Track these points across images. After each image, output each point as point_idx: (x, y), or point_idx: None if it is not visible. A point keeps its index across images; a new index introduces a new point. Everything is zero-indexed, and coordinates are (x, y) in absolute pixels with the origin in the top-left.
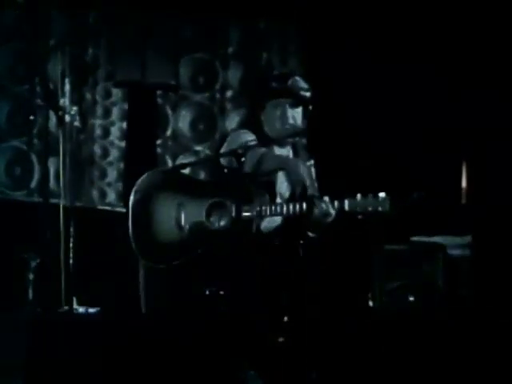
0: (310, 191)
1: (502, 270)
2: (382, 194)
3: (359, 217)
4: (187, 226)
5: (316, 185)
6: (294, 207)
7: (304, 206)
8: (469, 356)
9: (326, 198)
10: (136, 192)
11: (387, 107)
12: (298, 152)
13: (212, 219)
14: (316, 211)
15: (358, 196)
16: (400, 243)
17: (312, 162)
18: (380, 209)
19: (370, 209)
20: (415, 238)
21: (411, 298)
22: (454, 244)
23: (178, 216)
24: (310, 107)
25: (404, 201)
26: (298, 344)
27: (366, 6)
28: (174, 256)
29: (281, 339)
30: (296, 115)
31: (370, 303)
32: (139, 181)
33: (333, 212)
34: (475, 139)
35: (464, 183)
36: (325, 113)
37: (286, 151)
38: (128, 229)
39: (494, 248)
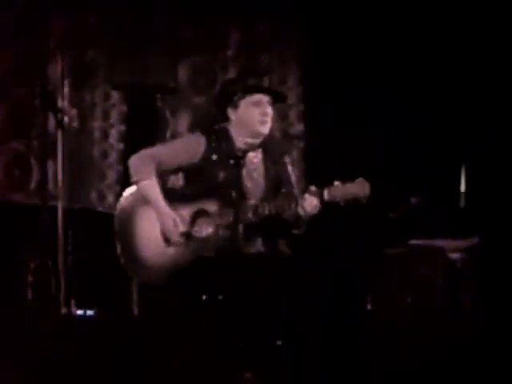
0: (285, 189)
1: (502, 273)
2: (360, 179)
3: (341, 204)
4: (171, 239)
5: (292, 180)
6: (284, 206)
7: (291, 203)
8: (469, 358)
9: (313, 188)
10: (121, 209)
11: (385, 109)
12: (268, 150)
13: (197, 228)
14: (303, 205)
15: (337, 183)
16: (399, 246)
17: (288, 159)
18: (360, 194)
19: (349, 195)
20: (414, 242)
21: (410, 302)
22: (454, 247)
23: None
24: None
25: (403, 204)
26: (296, 346)
27: (366, 8)
28: (165, 271)
29: (279, 342)
30: (271, 114)
31: (369, 306)
32: (123, 197)
33: (317, 203)
34: (474, 142)
35: (463, 187)
36: (324, 115)
37: (256, 155)
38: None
39: (493, 251)
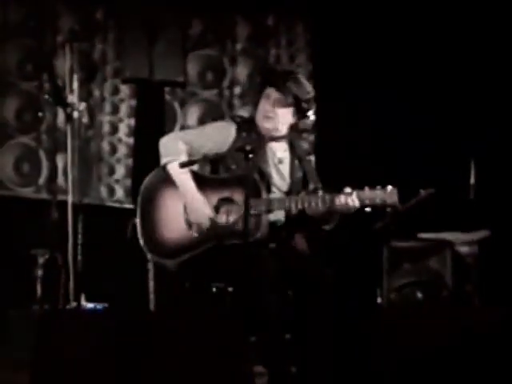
0: (312, 185)
1: (509, 267)
2: (389, 187)
3: (367, 209)
4: (196, 222)
5: (318, 179)
6: (321, 201)
7: (327, 199)
8: (475, 354)
9: (348, 189)
10: (144, 189)
11: (396, 104)
12: (295, 147)
13: (221, 215)
14: (340, 203)
15: (366, 188)
16: (408, 240)
17: (312, 157)
18: (388, 201)
19: (378, 201)
20: (423, 235)
21: (419, 295)
22: (462, 240)
23: (186, 211)
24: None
25: (412, 197)
26: (303, 340)
27: (374, 4)
28: (182, 251)
29: (287, 335)
30: (280, 114)
31: (379, 300)
32: (147, 178)
33: (358, 204)
34: (483, 136)
35: (472, 179)
36: (333, 109)
37: (283, 147)
38: (136, 226)
39: (501, 244)
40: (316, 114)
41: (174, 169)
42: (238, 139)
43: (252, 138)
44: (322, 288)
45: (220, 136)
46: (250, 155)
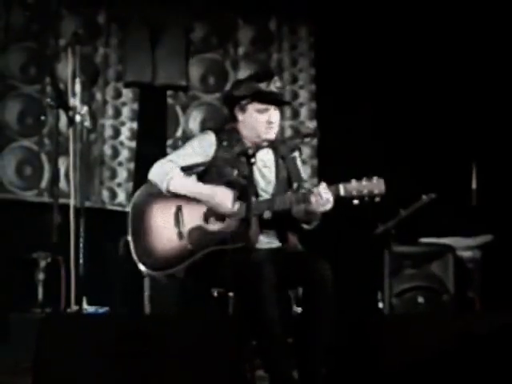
0: (296, 184)
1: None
2: (375, 177)
3: (355, 202)
4: (187, 232)
5: (302, 175)
6: (297, 199)
7: (302, 197)
8: (477, 359)
9: (323, 185)
10: (133, 206)
11: (398, 108)
12: (278, 148)
13: (211, 222)
14: (314, 201)
15: (353, 181)
16: (410, 244)
17: (296, 154)
18: (375, 191)
19: (365, 192)
20: (425, 239)
21: (420, 300)
22: (464, 245)
23: (176, 223)
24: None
25: (414, 202)
26: (306, 344)
27: (375, 6)
28: (176, 262)
29: (290, 340)
30: (277, 120)
31: (380, 305)
32: (135, 195)
33: (331, 198)
34: (484, 141)
35: (474, 185)
36: (335, 113)
37: (264, 149)
38: (128, 243)
39: (503, 249)
40: (318, 118)
41: (176, 185)
42: (219, 148)
43: (233, 146)
44: (324, 285)
45: (201, 148)
46: (252, 159)
